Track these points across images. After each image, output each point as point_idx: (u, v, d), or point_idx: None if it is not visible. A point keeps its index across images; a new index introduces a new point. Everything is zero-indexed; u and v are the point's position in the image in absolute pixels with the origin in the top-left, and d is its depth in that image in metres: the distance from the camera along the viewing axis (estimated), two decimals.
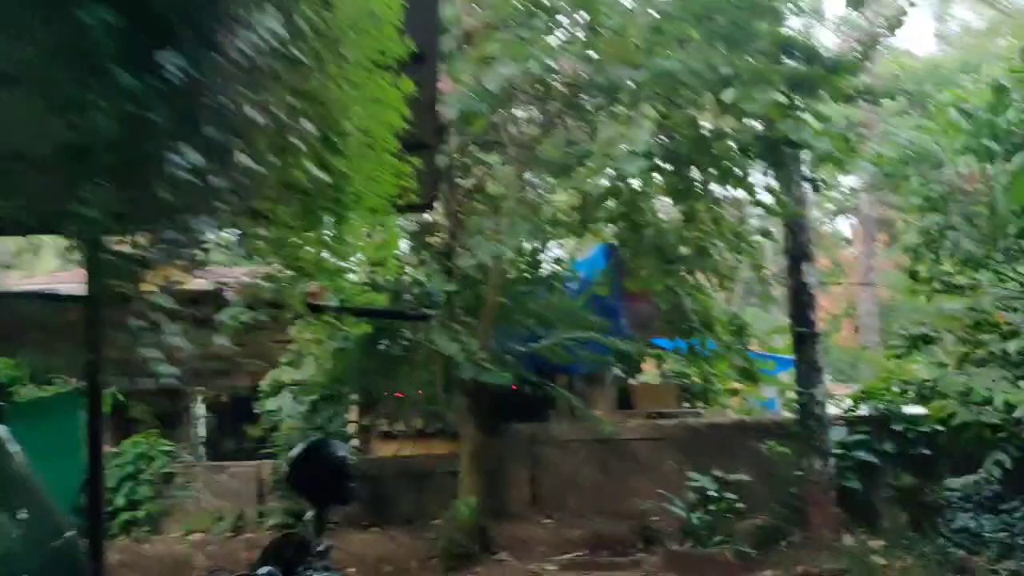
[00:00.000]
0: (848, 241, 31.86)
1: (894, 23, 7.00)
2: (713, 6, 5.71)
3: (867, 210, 16.48)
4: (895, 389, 9.36)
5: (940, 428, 8.55)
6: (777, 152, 7.27)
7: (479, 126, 6.35)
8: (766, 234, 8.79)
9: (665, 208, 9.86)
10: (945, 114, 8.72)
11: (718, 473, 8.41)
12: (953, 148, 8.21)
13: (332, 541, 2.96)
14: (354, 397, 10.45)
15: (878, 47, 7.46)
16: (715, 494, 8.25)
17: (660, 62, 5.54)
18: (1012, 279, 8.31)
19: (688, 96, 5.75)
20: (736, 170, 7.77)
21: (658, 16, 5.87)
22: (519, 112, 6.83)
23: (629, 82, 5.34)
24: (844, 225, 32.65)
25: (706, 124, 7.04)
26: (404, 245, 8.41)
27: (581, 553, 8.99)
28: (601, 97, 5.88)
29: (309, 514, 2.89)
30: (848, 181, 19.19)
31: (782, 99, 5.47)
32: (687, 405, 12.25)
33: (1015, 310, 7.95)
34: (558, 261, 11.10)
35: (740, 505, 8.25)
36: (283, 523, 9.11)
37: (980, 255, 8.14)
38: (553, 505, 9.89)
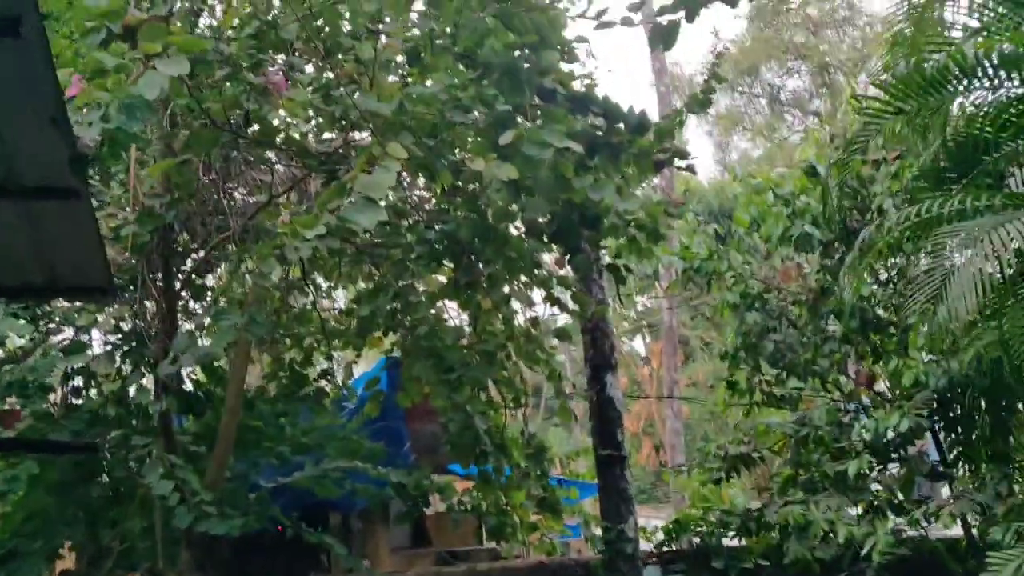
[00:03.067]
0: (645, 359, 31.80)
1: (703, 100, 5.85)
2: (483, 35, 4.33)
3: (668, 319, 15.74)
4: (713, 519, 8.06)
5: (765, 563, 7.38)
6: (572, 233, 5.90)
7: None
8: (564, 337, 7.41)
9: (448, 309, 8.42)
10: (746, 212, 7.87)
11: None
12: (767, 238, 7.22)
13: None
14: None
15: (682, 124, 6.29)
16: None
17: (417, 88, 4.05)
18: (840, 390, 7.29)
19: (457, 137, 4.26)
20: (524, 260, 6.35)
21: (412, 41, 4.42)
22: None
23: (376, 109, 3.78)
24: (638, 343, 32.71)
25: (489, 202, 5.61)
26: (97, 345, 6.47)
27: None
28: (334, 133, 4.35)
29: None
30: (639, 288, 18.55)
31: (576, 148, 4.06)
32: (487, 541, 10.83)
33: (847, 424, 6.88)
34: (326, 375, 9.50)
35: None
36: None
37: (804, 361, 7.07)
38: None
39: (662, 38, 4.88)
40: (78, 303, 6.41)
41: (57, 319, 6.45)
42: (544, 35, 4.53)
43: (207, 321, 5.44)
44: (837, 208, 6.62)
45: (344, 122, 4.39)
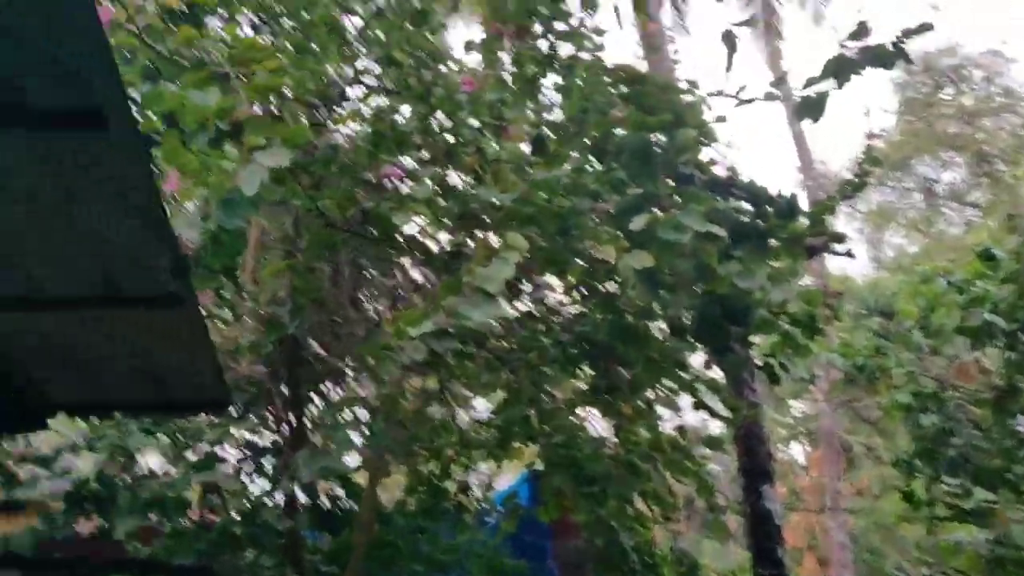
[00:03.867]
0: (805, 467, 30.01)
1: (858, 183, 5.37)
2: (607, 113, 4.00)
3: (827, 424, 14.62)
4: None
5: None
6: (719, 331, 5.38)
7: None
8: (714, 446, 6.78)
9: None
10: (912, 303, 7.13)
11: None
12: (938, 330, 6.47)
13: None
14: None
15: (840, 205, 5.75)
16: None
17: (540, 173, 3.73)
18: None
19: (582, 225, 3.89)
20: (667, 362, 5.88)
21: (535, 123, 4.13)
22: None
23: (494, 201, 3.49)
24: (796, 450, 30.95)
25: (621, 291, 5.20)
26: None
27: None
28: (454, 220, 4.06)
29: None
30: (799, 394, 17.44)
31: (719, 232, 3.63)
32: None
33: None
34: (465, 488, 9.14)
35: None
36: None
37: (994, 468, 6.19)
38: None
39: (809, 110, 4.42)
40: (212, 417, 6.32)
41: (190, 433, 6.34)
42: (679, 114, 4.16)
43: (331, 434, 5.17)
44: (1021, 294, 5.86)
45: (465, 219, 4.11)
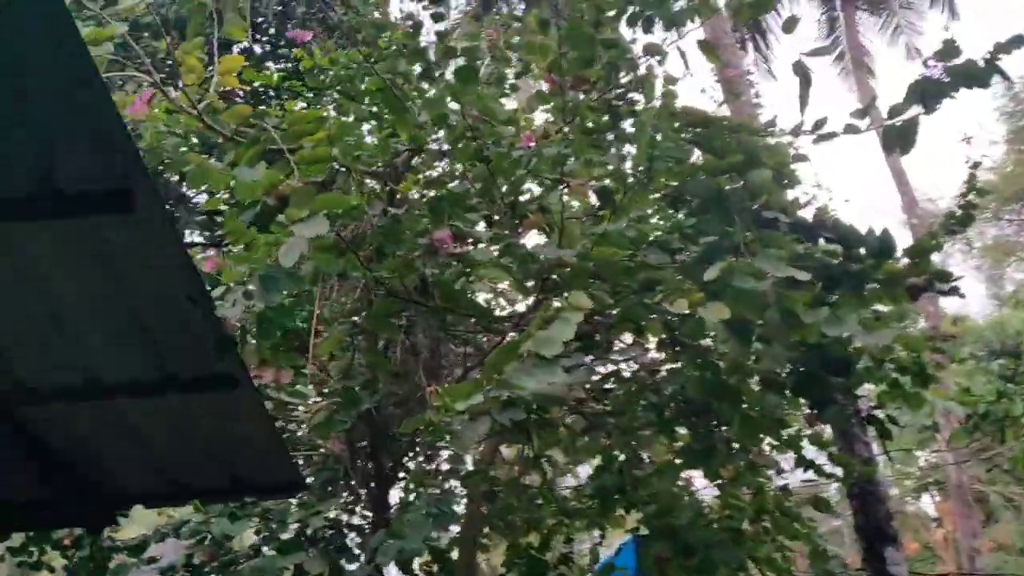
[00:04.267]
0: (937, 520, 28.30)
1: (963, 216, 5.05)
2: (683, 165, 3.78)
3: (956, 475, 13.63)
4: None
5: None
6: (819, 383, 5.02)
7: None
8: (823, 508, 6.31)
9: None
10: None
11: None
12: None
13: None
14: None
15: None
16: None
17: (605, 227, 3.51)
18: None
19: (656, 278, 3.62)
20: (766, 419, 5.53)
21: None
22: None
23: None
24: (926, 501, 29.21)
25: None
26: None
27: None
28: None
29: None
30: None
31: (801, 276, 3.33)
32: None
33: None
34: (566, 559, 8.76)
35: None
36: None
37: None
38: None
39: (898, 141, 4.09)
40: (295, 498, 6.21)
41: (277, 515, 6.22)
42: (752, 155, 3.88)
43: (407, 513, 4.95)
44: None
45: (534, 281, 3.90)
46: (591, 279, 3.57)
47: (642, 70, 4.60)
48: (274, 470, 4.26)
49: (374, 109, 4.80)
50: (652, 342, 6.55)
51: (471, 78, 4.16)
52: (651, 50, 4.78)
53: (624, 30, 4.67)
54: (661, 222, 3.87)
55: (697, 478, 7.42)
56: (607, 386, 6.43)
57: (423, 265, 3.86)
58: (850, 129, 4.18)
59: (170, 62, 4.46)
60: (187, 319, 2.99)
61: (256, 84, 5.04)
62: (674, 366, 6.08)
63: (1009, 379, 6.92)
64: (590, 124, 3.93)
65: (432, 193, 4.13)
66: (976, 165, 6.09)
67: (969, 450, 13.86)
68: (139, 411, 3.72)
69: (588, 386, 6.39)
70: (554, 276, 3.72)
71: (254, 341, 3.40)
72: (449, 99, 4.27)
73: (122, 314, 3.05)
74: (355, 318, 4.55)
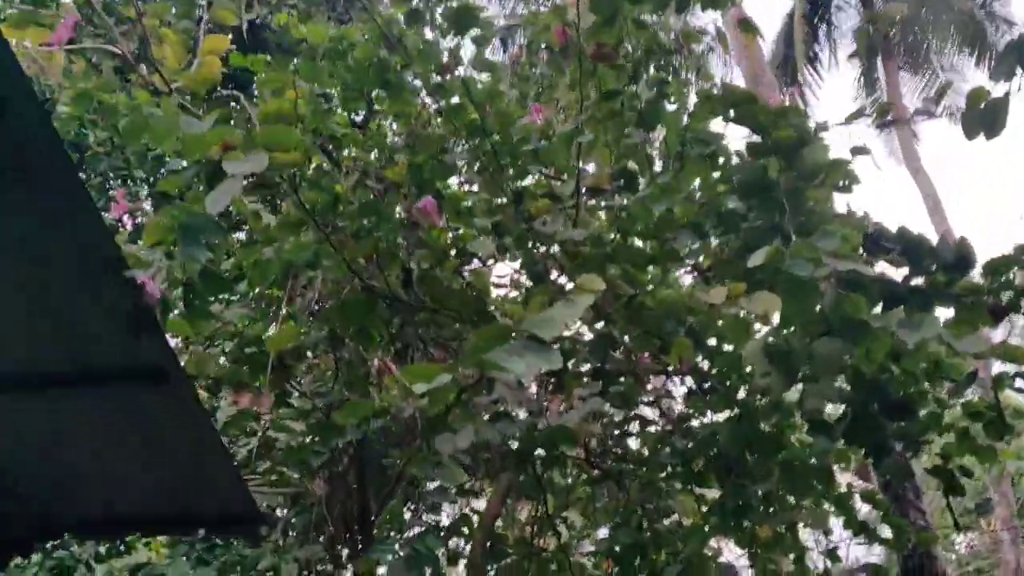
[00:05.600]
0: None
1: None
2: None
3: (1012, 556, 12.51)
4: None
5: None
6: (874, 427, 4.31)
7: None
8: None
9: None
10: None
11: None
12: None
13: None
14: None
15: None
16: None
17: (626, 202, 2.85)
18: None
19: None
20: (809, 472, 4.83)
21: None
22: None
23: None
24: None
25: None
26: None
27: None
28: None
29: None
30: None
31: (865, 271, 2.65)
32: None
33: None
34: None
35: None
36: None
37: None
38: None
39: (983, 124, 3.42)
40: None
41: (249, 561, 5.50)
42: (803, 134, 3.22)
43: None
44: None
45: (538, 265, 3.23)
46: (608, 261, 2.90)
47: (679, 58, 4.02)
48: (224, 499, 3.57)
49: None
50: (679, 388, 5.86)
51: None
52: (688, 38, 4.18)
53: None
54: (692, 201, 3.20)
55: (727, 547, 6.60)
56: (627, 428, 5.71)
57: (407, 255, 3.20)
58: (922, 112, 3.54)
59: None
60: (102, 292, 2.36)
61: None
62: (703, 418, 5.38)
63: None
64: (611, 88, 3.29)
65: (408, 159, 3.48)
66: None
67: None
68: (54, 413, 3.07)
69: (605, 427, 5.68)
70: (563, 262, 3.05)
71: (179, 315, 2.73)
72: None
73: (20, 293, 2.42)
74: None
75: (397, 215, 3.15)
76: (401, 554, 3.38)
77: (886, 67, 16.99)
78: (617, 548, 5.76)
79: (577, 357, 4.90)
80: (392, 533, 5.26)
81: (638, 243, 3.08)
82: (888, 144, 18.94)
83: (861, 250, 3.76)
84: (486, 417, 3.24)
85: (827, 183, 3.13)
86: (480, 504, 7.06)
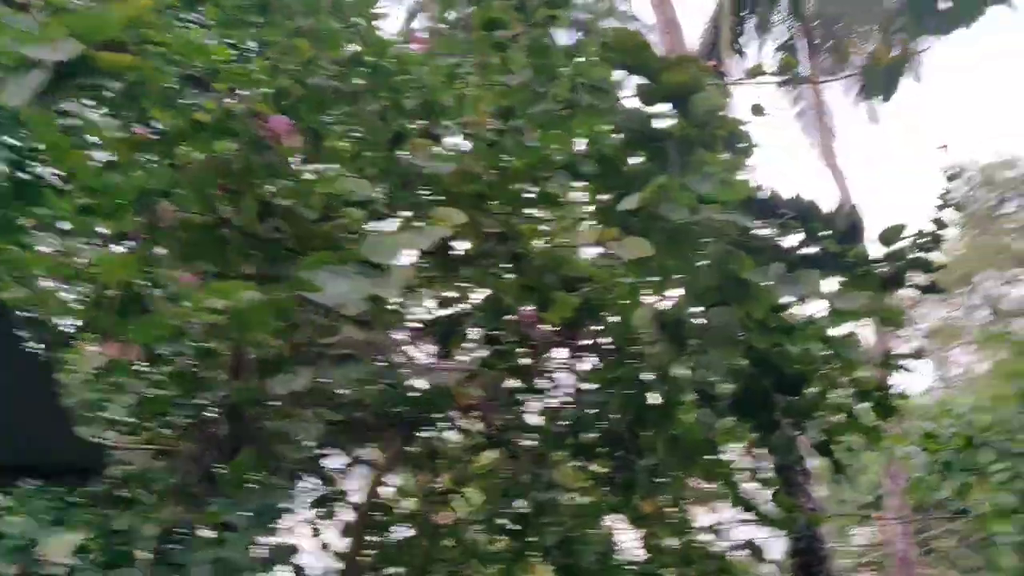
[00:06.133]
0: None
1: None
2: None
3: (901, 547, 12.73)
4: None
5: None
6: (765, 402, 4.21)
7: None
8: (758, 556, 5.38)
9: None
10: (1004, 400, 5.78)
11: None
12: None
13: None
14: None
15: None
16: None
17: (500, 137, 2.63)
18: None
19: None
20: (698, 447, 4.73)
21: None
22: None
23: None
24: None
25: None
26: None
27: None
28: None
29: None
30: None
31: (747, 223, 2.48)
32: None
33: None
34: None
35: None
36: None
37: None
38: None
39: (881, 87, 3.30)
40: None
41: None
42: (696, 79, 3.03)
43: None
44: None
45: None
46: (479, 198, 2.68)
47: None
48: (57, 443, 3.27)
49: None
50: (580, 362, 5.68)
51: None
52: None
53: None
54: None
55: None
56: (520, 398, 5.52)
57: (262, 186, 2.93)
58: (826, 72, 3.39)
59: None
60: None
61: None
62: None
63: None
64: (493, 18, 3.05)
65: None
66: (954, 177, 5.38)
67: (910, 528, 13.07)
68: None
69: (498, 394, 5.48)
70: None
71: None
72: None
73: None
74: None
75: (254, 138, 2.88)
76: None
77: (812, 59, 17.19)
78: (503, 522, 5.60)
79: (466, 322, 4.70)
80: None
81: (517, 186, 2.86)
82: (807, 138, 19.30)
83: (757, 219, 3.63)
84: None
85: (716, 133, 2.95)
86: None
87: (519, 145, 2.73)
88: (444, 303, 4.60)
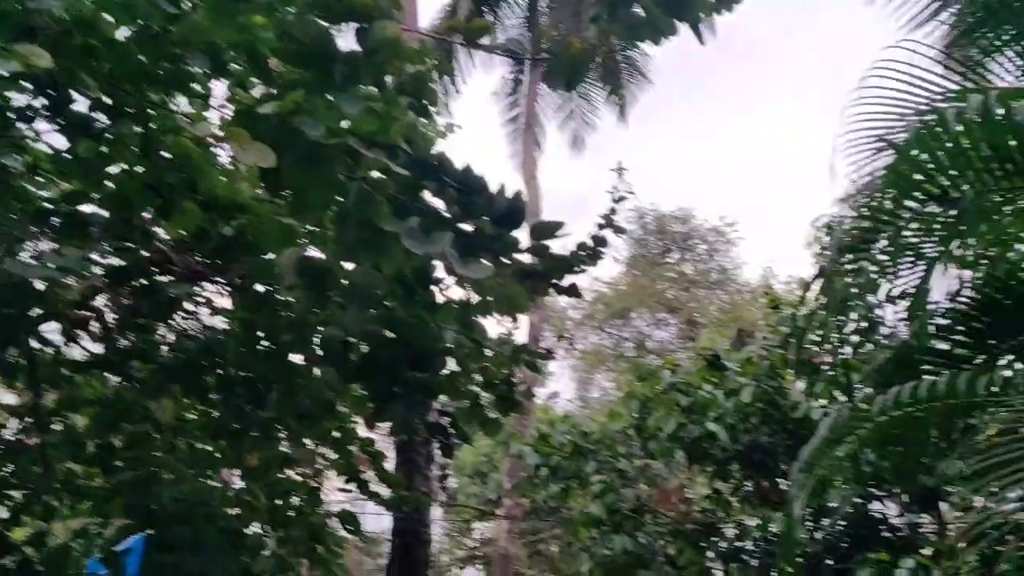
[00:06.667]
0: None
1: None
2: None
3: (505, 545, 13.29)
4: None
5: None
6: (392, 371, 4.06)
7: None
8: (353, 527, 5.23)
9: None
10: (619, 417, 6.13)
11: None
12: (653, 432, 5.41)
13: None
14: None
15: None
16: None
17: None
18: None
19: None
20: (317, 405, 4.48)
21: None
22: None
23: None
24: None
25: None
26: None
27: None
28: None
29: None
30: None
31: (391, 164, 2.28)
32: None
33: None
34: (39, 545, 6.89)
35: None
36: None
37: None
38: None
39: (564, 75, 3.24)
40: None
41: None
42: (386, 6, 2.79)
43: None
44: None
45: None
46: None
47: None
48: None
49: None
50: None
51: None
52: None
53: None
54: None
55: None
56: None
57: None
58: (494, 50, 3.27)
59: None
60: None
61: None
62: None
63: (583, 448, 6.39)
64: None
65: None
66: (621, 199, 5.58)
67: (521, 526, 13.71)
68: None
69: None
70: None
71: None
72: None
73: None
74: None
75: None
76: None
77: (532, 73, 17.67)
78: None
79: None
80: None
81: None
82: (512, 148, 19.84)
83: (422, 179, 3.45)
84: None
85: (388, 67, 2.72)
86: None
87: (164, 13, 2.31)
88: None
